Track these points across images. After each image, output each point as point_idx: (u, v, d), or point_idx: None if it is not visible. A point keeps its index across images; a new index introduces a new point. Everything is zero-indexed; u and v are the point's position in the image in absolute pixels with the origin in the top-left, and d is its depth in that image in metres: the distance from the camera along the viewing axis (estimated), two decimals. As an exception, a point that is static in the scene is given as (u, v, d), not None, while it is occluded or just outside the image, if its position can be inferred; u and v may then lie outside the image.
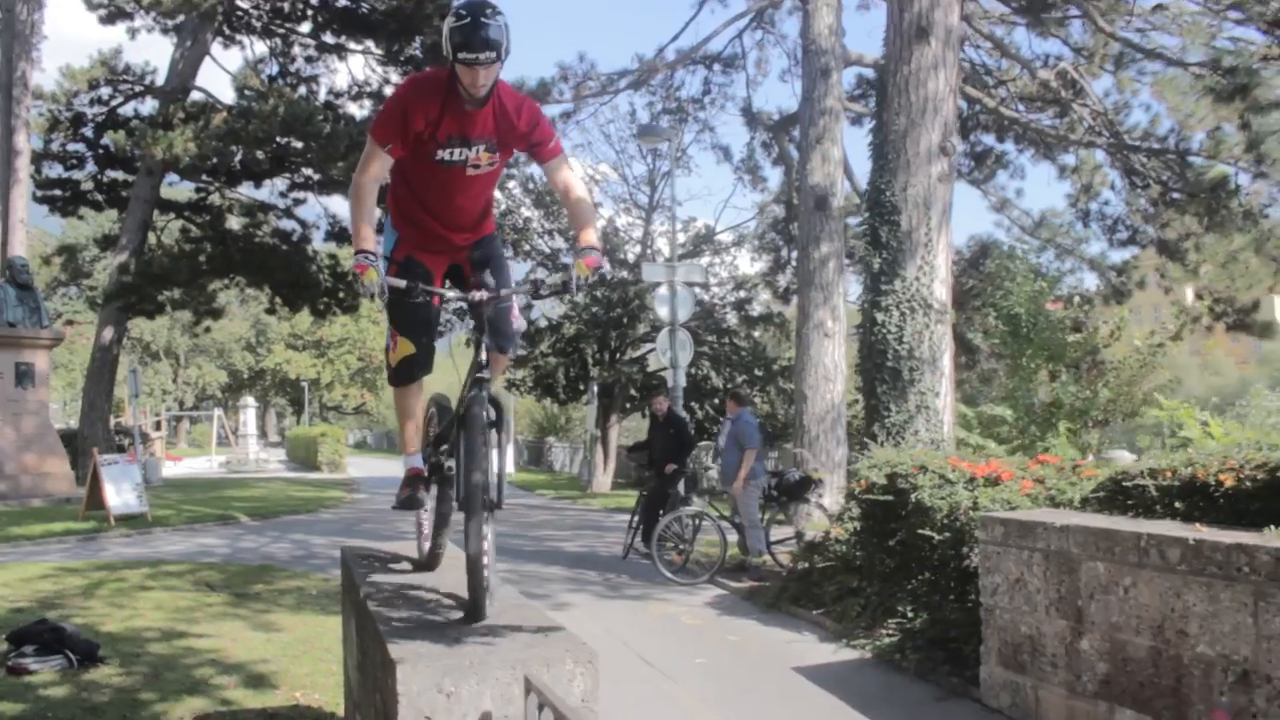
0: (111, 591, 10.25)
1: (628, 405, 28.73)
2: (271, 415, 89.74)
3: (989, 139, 24.07)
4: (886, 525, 8.43)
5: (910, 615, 7.75)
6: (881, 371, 10.66)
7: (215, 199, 28.87)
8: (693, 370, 29.50)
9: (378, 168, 4.10)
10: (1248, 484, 5.56)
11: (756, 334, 29.76)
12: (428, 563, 4.48)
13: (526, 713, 2.70)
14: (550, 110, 20.32)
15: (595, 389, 26.67)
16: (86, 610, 9.18)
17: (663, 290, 15.35)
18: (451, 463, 4.09)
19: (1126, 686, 5.48)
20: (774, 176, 26.47)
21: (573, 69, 19.07)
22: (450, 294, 4.12)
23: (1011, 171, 24.49)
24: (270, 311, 33.70)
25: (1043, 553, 6.11)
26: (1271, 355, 49.60)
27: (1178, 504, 5.93)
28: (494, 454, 3.66)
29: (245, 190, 29.32)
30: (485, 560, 3.44)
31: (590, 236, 4.10)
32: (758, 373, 28.19)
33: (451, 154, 4.07)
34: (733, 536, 11.65)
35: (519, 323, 4.31)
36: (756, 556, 11.24)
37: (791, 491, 11.37)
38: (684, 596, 10.49)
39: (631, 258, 27.74)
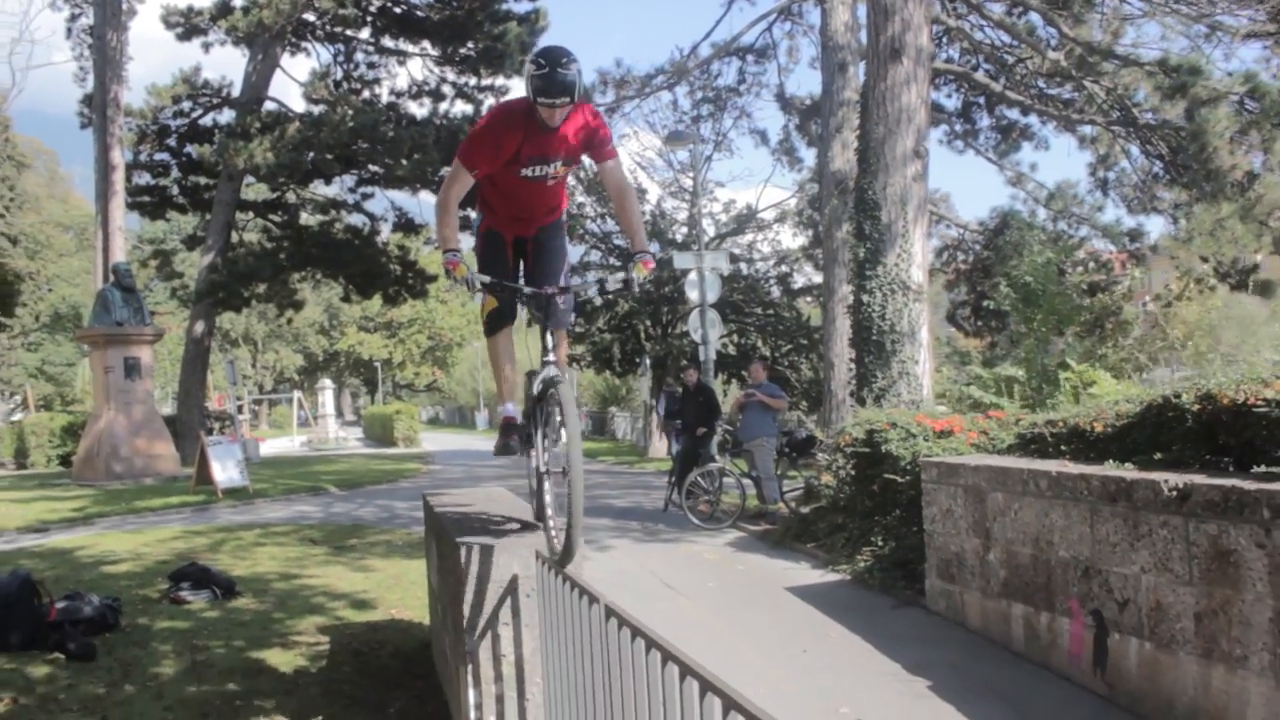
0: (233, 547, 12.30)
1: (680, 375, 30.57)
2: (347, 396, 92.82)
3: (1013, 113, 25.33)
4: (865, 472, 10.19)
5: (881, 544, 9.52)
6: (868, 344, 12.34)
7: (290, 197, 31.12)
8: (741, 340, 31.27)
9: (461, 186, 4.74)
10: (1110, 429, 7.22)
11: (799, 305, 31.33)
12: (536, 513, 5.13)
13: (537, 571, 4.55)
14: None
15: (648, 361, 28.52)
16: (215, 561, 11.16)
17: (692, 275, 17.13)
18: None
19: (1017, 586, 7.19)
20: (809, 156, 27.96)
21: (611, 73, 20.79)
22: (526, 290, 4.77)
23: (1036, 143, 25.73)
24: (345, 299, 35.99)
25: (963, 487, 7.83)
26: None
27: (1063, 447, 7.61)
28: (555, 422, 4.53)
29: (316, 188, 31.58)
30: (547, 504, 4.62)
31: (643, 239, 4.76)
32: (802, 341, 29.84)
33: (534, 171, 4.69)
34: (753, 490, 13.49)
35: (569, 302, 4.91)
36: (771, 504, 13.06)
37: (800, 447, 13.23)
38: (709, 539, 12.34)
39: (680, 239, 29.43)
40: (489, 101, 27.98)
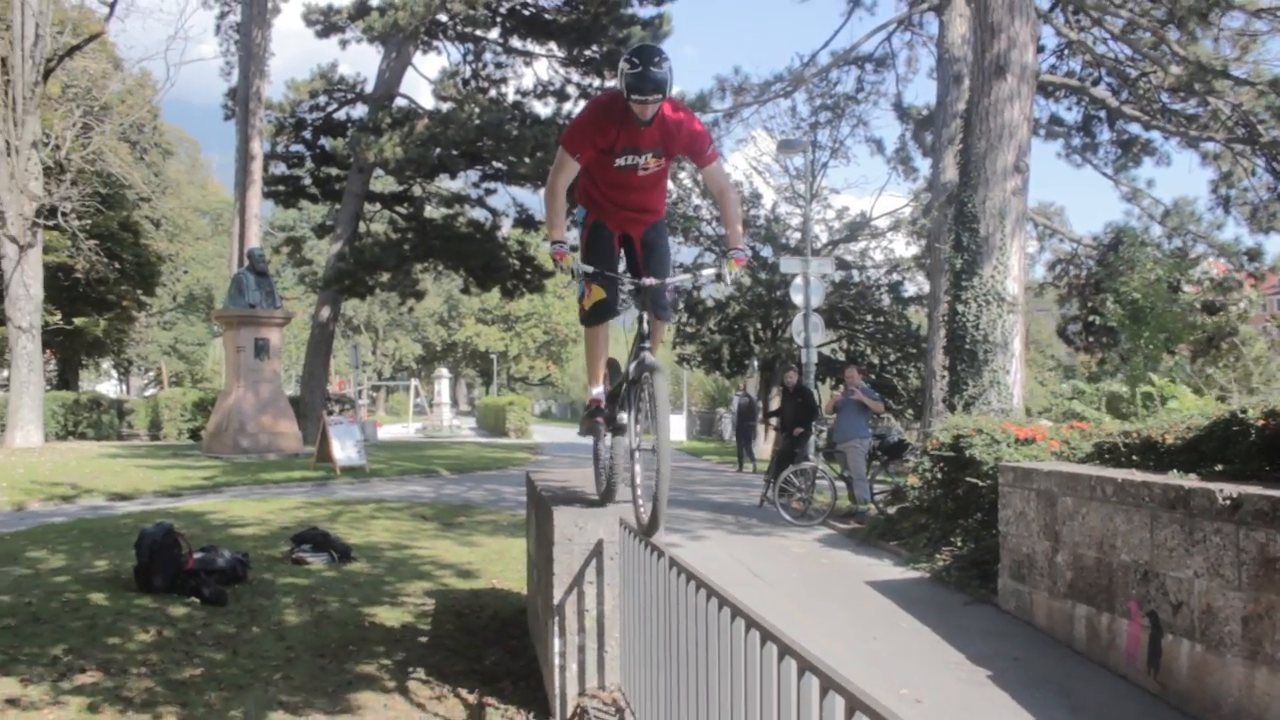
0: (349, 519, 13.15)
1: (781, 378, 30.93)
2: (462, 386, 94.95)
3: (1134, 128, 25.08)
4: (951, 476, 10.53)
5: (960, 544, 9.86)
6: (961, 353, 12.62)
7: (415, 191, 32.35)
8: (850, 346, 31.48)
9: (568, 173, 5.08)
10: (1179, 442, 7.49)
11: (908, 313, 31.38)
12: (606, 492, 5.57)
13: (620, 537, 5.11)
14: (709, 116, 22.45)
15: (757, 364, 28.96)
16: (333, 530, 12.02)
17: (798, 279, 17.54)
18: (623, 415, 5.31)
19: (1081, 588, 7.50)
20: (924, 166, 28.05)
21: (729, 80, 21.30)
22: (627, 282, 5.10)
23: (1157, 158, 25.44)
24: (465, 291, 37.16)
25: (1036, 491, 8.16)
26: None
27: (1135, 457, 7.89)
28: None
29: (441, 182, 32.76)
30: (637, 481, 5.08)
31: (738, 237, 5.07)
32: (910, 349, 29.93)
33: (627, 160, 4.99)
34: (845, 490, 13.88)
35: (672, 297, 5.29)
36: (862, 504, 13.43)
37: (892, 451, 13.59)
38: (799, 535, 12.78)
39: (793, 243, 29.81)
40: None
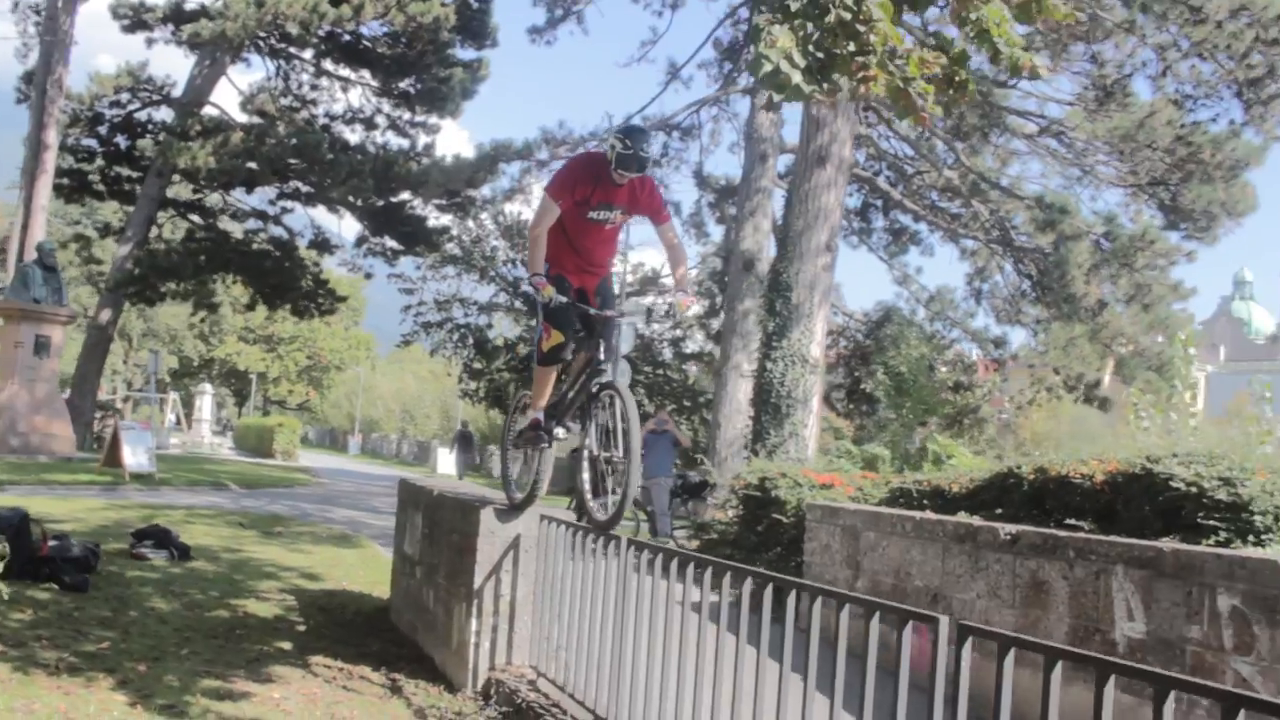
0: (165, 523, 13.12)
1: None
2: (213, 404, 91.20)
3: (906, 219, 27.65)
4: (755, 513, 11.78)
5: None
6: (767, 405, 14.06)
7: (212, 200, 31.75)
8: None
9: (549, 218, 5.72)
10: (964, 490, 8.97)
11: (688, 369, 33.09)
12: (528, 497, 6.29)
13: (539, 530, 5.97)
14: (526, 163, 23.45)
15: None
16: (157, 530, 12.16)
17: (611, 326, 18.62)
18: (561, 430, 6.15)
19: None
20: (716, 232, 29.84)
21: (553, 133, 22.40)
22: (592, 311, 5.75)
23: (923, 249, 28.09)
24: (249, 307, 36.43)
25: (841, 526, 9.46)
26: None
27: (925, 501, 9.33)
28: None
29: (238, 194, 32.26)
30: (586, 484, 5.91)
31: (686, 282, 5.96)
32: (685, 402, 31.58)
33: (599, 214, 5.74)
34: (647, 524, 15.00)
35: (627, 331, 6.08)
36: (663, 538, 14.55)
37: (692, 490, 14.83)
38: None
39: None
40: (423, 138, 29.25)
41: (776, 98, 3.15)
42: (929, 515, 8.46)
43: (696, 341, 33.77)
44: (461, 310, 30.89)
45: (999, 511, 8.21)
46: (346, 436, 70.77)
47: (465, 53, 27.95)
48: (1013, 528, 7.39)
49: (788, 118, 18.74)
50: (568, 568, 5.63)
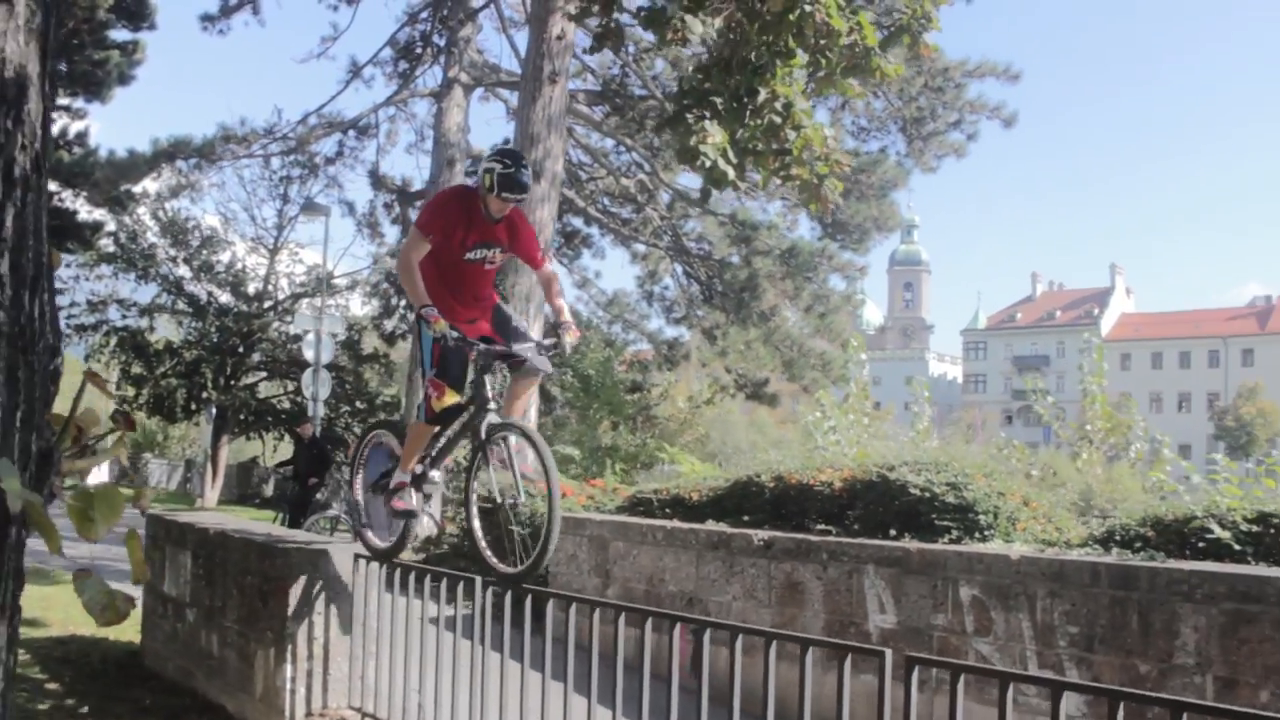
0: None
1: (236, 428, 30.53)
2: None
3: (578, 222, 28.54)
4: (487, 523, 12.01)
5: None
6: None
7: None
8: (299, 398, 31.83)
9: (420, 251, 5.30)
10: (704, 498, 9.64)
11: (363, 371, 32.37)
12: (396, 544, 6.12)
13: (354, 571, 5.98)
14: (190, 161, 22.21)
15: (213, 410, 28.37)
16: None
17: (310, 336, 18.20)
18: (434, 473, 5.85)
19: (632, 616, 9.31)
20: (392, 233, 29.49)
21: (234, 130, 21.33)
22: (482, 346, 5.27)
23: (594, 251, 29.10)
24: None
25: (588, 537, 9.90)
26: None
27: (667, 510, 9.94)
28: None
29: None
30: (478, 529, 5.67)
31: (565, 312, 5.47)
32: (359, 405, 31.00)
33: (476, 254, 5.36)
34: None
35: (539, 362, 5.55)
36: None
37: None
38: (326, 580, 13.49)
39: (253, 291, 29.76)
40: (75, 125, 26.97)
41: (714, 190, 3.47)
42: (680, 524, 9.06)
43: (370, 344, 33.16)
44: (119, 312, 28.69)
45: (745, 519, 8.91)
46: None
47: (121, 34, 25.96)
48: (767, 533, 8.10)
49: (475, 124, 18.87)
50: (383, 604, 5.72)
